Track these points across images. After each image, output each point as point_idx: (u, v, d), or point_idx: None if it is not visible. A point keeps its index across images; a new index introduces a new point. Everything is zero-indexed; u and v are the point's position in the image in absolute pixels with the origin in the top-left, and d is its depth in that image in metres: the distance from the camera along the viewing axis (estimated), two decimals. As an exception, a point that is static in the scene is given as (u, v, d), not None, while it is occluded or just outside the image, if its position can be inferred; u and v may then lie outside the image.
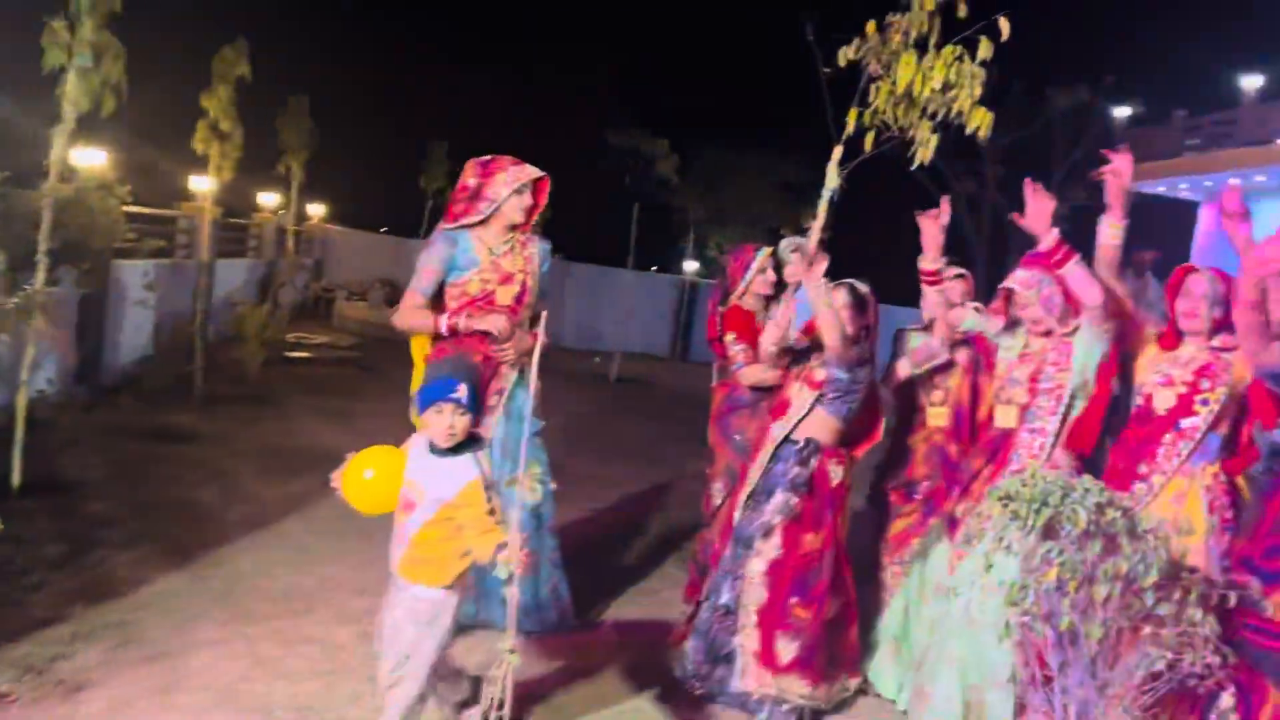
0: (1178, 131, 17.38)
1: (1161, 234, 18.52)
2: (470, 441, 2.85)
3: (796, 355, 3.84)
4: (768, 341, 3.91)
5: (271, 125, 12.49)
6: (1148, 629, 2.57)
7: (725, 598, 3.59)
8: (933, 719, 3.54)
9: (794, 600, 3.50)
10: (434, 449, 2.82)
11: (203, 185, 9.05)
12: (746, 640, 3.52)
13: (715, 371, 4.87)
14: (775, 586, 3.52)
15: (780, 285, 4.74)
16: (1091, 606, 2.57)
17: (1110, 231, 3.38)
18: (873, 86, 5.23)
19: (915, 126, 5.14)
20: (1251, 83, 15.81)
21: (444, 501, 2.76)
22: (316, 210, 17.77)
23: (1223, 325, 3.24)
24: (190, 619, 3.80)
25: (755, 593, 3.54)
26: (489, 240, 3.93)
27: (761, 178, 15.64)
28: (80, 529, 4.57)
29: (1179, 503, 3.15)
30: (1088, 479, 2.73)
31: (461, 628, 3.91)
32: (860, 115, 5.27)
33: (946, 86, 4.99)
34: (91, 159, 7.65)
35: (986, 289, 4.93)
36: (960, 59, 4.97)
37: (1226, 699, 2.68)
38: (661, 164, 12.79)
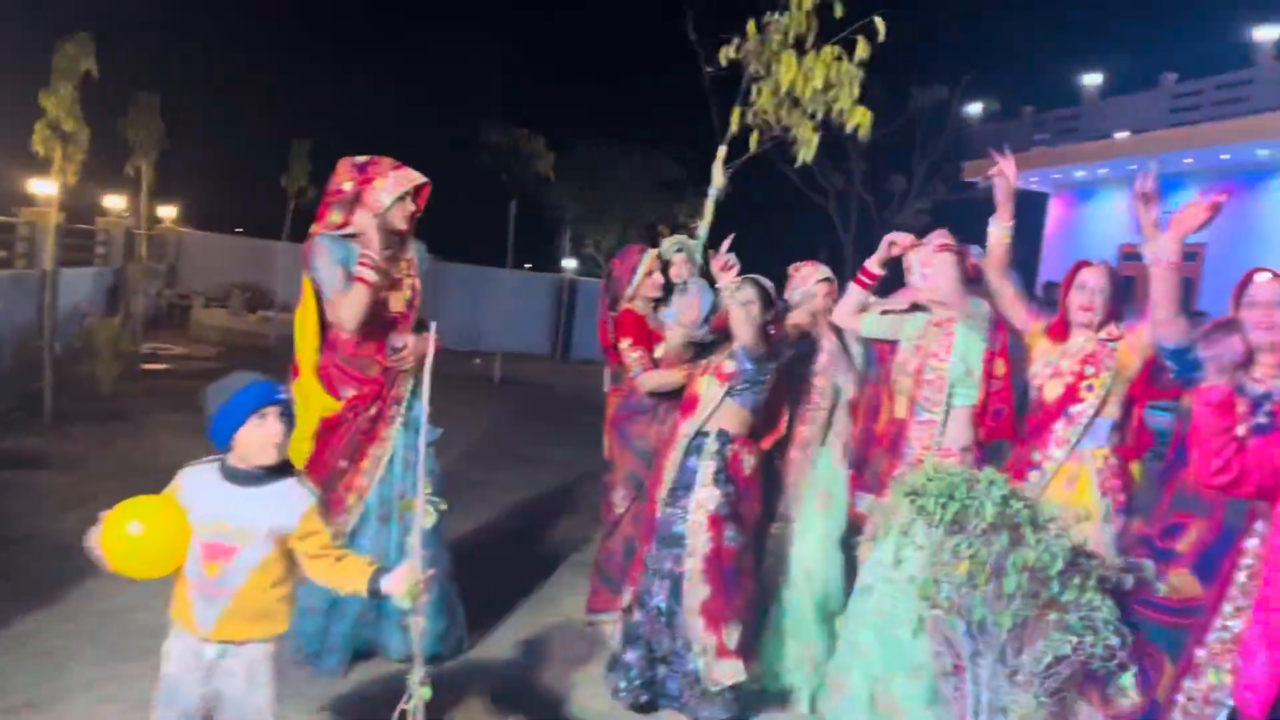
0: (1027, 127, 18.36)
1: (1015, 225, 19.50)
2: (284, 464, 2.46)
3: (701, 349, 3.83)
4: (676, 339, 3.89)
5: (119, 124, 11.72)
6: (1053, 615, 2.64)
7: (658, 599, 3.55)
8: (845, 711, 3.60)
9: (730, 589, 3.52)
10: (239, 476, 2.40)
11: (44, 189, 8.44)
12: (704, 640, 3.48)
13: (608, 377, 4.82)
14: (714, 580, 3.51)
15: (668, 286, 4.74)
16: (1000, 597, 2.63)
17: (998, 231, 3.48)
18: (754, 86, 5.32)
19: (797, 126, 5.25)
20: (1092, 80, 16.78)
21: (283, 534, 2.41)
22: (168, 212, 16.85)
23: (1112, 316, 3.38)
24: (60, 662, 3.51)
25: (698, 591, 3.51)
26: (372, 246, 3.77)
27: (639, 175, 15.67)
28: (-76, 570, 4.18)
29: (1070, 486, 3.27)
30: (990, 471, 2.79)
31: (357, 655, 3.76)
32: (743, 115, 5.35)
33: (827, 86, 5.11)
34: (-83, 163, 7.04)
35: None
36: (840, 59, 5.10)
37: (1127, 678, 2.79)
38: (539, 161, 12.63)
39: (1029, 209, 19.34)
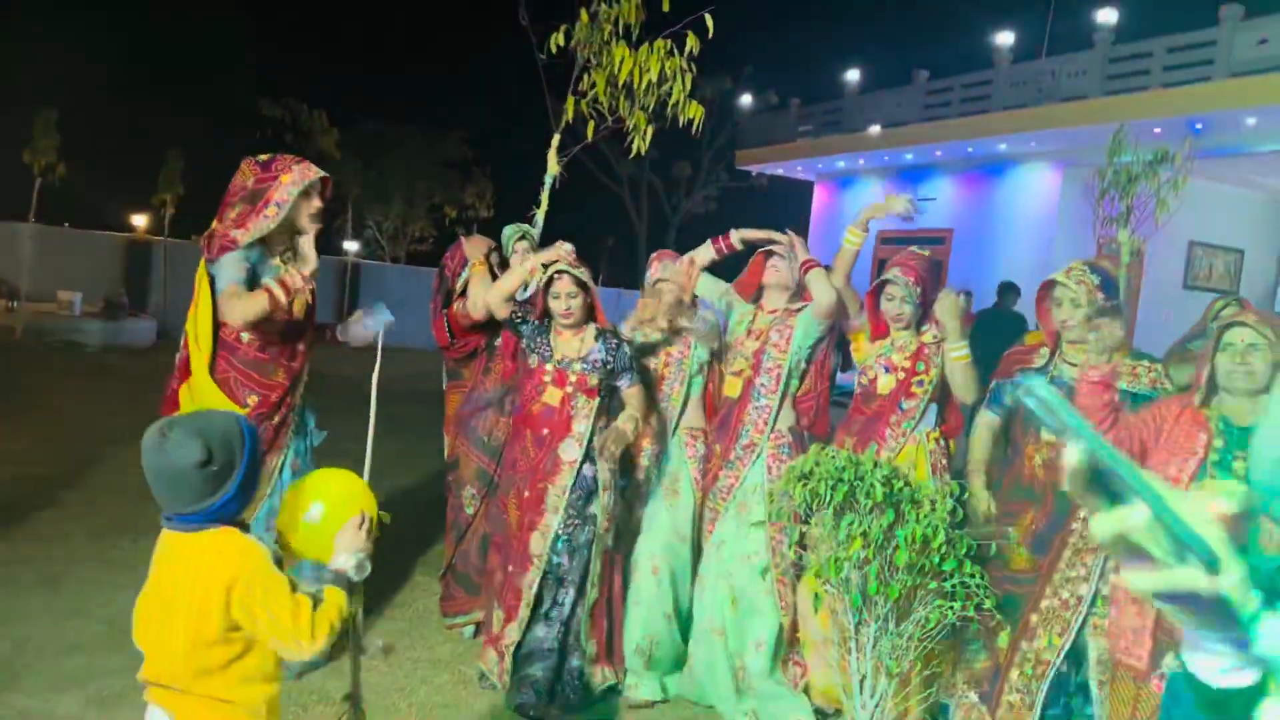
0: (793, 119, 19.39)
1: (785, 210, 20.66)
2: None
3: (531, 335, 3.69)
4: (502, 289, 3.67)
5: None
6: (933, 584, 2.90)
7: (566, 607, 3.54)
8: (702, 687, 3.79)
9: (612, 588, 3.60)
10: None
11: None
12: (589, 642, 3.55)
13: (445, 374, 4.72)
14: (606, 579, 3.60)
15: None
16: (888, 569, 2.85)
17: (853, 239, 3.75)
18: (586, 74, 5.37)
19: (631, 116, 5.35)
20: (852, 76, 17.95)
21: None
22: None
23: (926, 307, 3.68)
24: None
25: (592, 593, 3.55)
26: (275, 249, 3.56)
27: (423, 154, 15.24)
28: None
29: (909, 470, 3.56)
30: (872, 454, 3.01)
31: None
32: (577, 103, 5.38)
33: (660, 79, 5.24)
34: None
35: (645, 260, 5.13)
36: (671, 53, 5.24)
37: (1004, 638, 3.10)
38: (322, 138, 12.00)
39: (798, 195, 20.54)
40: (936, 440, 3.65)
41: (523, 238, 4.81)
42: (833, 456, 2.99)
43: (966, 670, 3.27)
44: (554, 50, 5.39)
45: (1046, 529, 3.15)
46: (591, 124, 5.28)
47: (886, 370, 3.66)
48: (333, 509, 2.04)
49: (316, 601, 1.87)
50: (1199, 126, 11.18)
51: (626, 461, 3.86)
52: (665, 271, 4.06)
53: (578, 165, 5.72)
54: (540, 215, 5.38)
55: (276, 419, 3.56)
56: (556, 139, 5.42)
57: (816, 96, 19.23)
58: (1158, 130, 11.39)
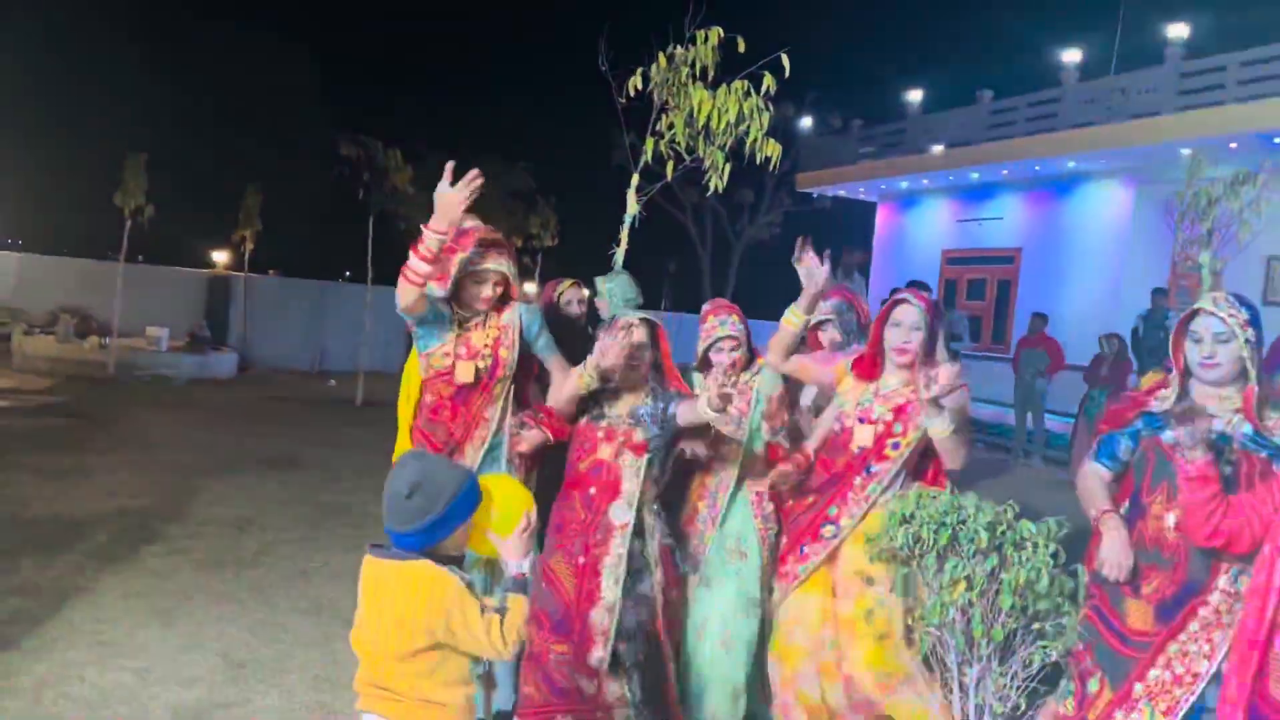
0: (855, 140, 19.38)
1: (846, 231, 20.60)
2: None
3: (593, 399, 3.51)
4: (569, 387, 3.46)
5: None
6: (1035, 625, 2.91)
7: (639, 694, 3.39)
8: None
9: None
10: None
11: None
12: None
13: None
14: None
15: (597, 320, 4.85)
16: (992, 612, 2.88)
17: (794, 320, 3.41)
18: (664, 115, 5.49)
19: (709, 154, 5.46)
20: (915, 96, 17.89)
21: None
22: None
23: (929, 352, 3.28)
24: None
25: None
26: (460, 311, 3.59)
27: (489, 186, 15.53)
28: None
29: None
30: (975, 497, 3.01)
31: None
32: (656, 143, 5.51)
33: (738, 119, 5.34)
34: None
35: (713, 289, 5.18)
36: (748, 94, 5.34)
37: (1094, 683, 2.96)
38: (397, 175, 12.30)
39: (860, 216, 20.49)
40: None
41: (611, 283, 4.97)
42: (934, 498, 3.03)
43: (1045, 712, 3.12)
44: (632, 93, 5.53)
45: (1176, 597, 2.74)
46: (670, 163, 5.39)
47: (863, 422, 3.33)
48: (504, 513, 2.27)
49: (503, 612, 2.14)
50: (1278, 140, 10.96)
51: (677, 529, 3.73)
52: (725, 329, 3.75)
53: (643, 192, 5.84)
54: (620, 254, 5.51)
55: None
56: (636, 179, 5.54)
57: (879, 118, 19.19)
58: (1234, 145, 11.18)
